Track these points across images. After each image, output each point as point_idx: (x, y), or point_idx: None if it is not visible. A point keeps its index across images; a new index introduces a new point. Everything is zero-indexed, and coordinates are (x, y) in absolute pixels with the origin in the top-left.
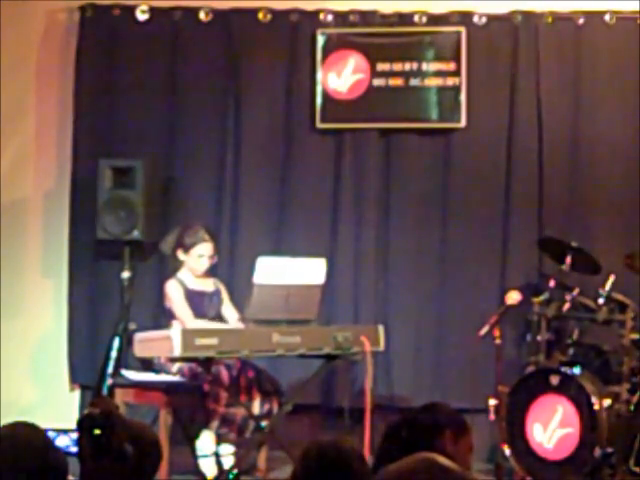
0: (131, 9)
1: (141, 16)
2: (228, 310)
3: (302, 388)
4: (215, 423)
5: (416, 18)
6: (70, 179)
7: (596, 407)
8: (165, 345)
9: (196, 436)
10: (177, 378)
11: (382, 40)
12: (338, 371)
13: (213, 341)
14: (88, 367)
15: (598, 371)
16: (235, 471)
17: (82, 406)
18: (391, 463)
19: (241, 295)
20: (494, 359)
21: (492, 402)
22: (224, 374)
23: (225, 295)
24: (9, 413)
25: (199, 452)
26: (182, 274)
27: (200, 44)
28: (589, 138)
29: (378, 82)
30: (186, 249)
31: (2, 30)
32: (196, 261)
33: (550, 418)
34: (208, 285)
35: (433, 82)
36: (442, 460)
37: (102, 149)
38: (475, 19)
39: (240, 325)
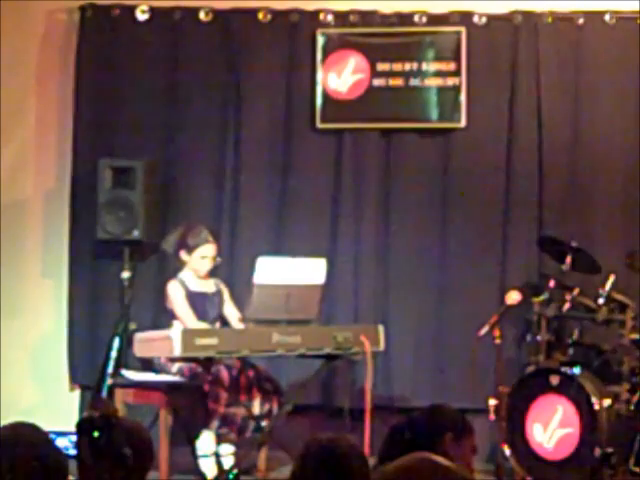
0: (131, 9)
1: (141, 16)
2: (230, 310)
3: (302, 388)
4: (215, 423)
5: (416, 18)
6: (70, 179)
7: (596, 407)
8: (165, 345)
9: (196, 436)
10: (177, 378)
11: (382, 40)
12: (338, 371)
13: (213, 341)
14: (88, 367)
15: (598, 371)
16: (235, 471)
17: (82, 406)
18: None
19: (241, 295)
20: (494, 359)
21: (492, 402)
22: (224, 374)
23: (227, 295)
24: (9, 413)
25: (199, 452)
26: (184, 274)
27: (200, 44)
28: (589, 138)
29: (378, 82)
30: (189, 250)
31: (2, 30)
32: (199, 262)
33: (550, 418)
34: (209, 286)
35: (433, 82)
36: (439, 459)
37: (102, 149)
38: (475, 19)
39: (240, 325)
